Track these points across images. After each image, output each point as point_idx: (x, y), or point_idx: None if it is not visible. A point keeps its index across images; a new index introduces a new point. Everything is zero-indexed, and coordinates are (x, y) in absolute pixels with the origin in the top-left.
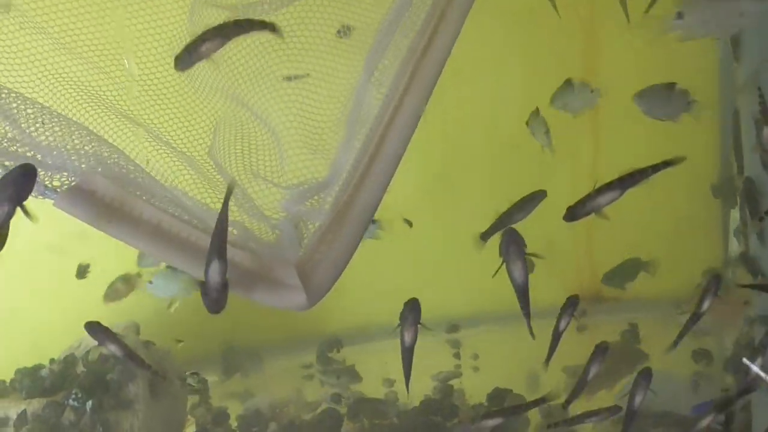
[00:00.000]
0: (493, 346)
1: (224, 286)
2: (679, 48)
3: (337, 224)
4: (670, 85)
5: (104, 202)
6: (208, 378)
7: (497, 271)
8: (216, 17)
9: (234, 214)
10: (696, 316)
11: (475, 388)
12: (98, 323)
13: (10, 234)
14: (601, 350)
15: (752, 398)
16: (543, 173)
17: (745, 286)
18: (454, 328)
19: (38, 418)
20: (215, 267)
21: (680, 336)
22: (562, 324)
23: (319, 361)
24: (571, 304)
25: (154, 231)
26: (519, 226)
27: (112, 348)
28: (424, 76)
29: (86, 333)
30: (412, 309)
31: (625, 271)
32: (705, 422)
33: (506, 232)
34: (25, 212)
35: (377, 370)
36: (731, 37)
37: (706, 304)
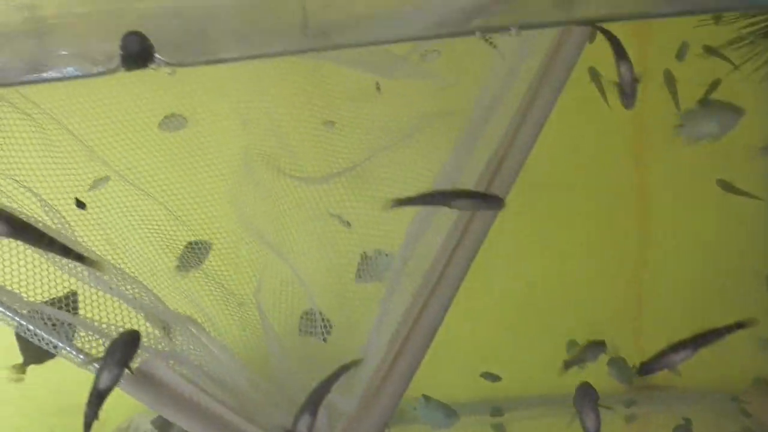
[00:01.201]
0: (538, 430)
1: None
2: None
3: (365, 411)
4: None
5: (162, 385)
6: None
7: (571, 421)
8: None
9: (274, 396)
10: None
11: None
12: None
13: None
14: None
15: None
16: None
17: None
18: (498, 411)
19: None
20: (304, 421)
21: None
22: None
23: None
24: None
25: (201, 414)
26: (563, 310)
27: None
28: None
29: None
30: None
31: None
32: None
33: (580, 386)
34: (131, 371)
35: None
36: None
37: None
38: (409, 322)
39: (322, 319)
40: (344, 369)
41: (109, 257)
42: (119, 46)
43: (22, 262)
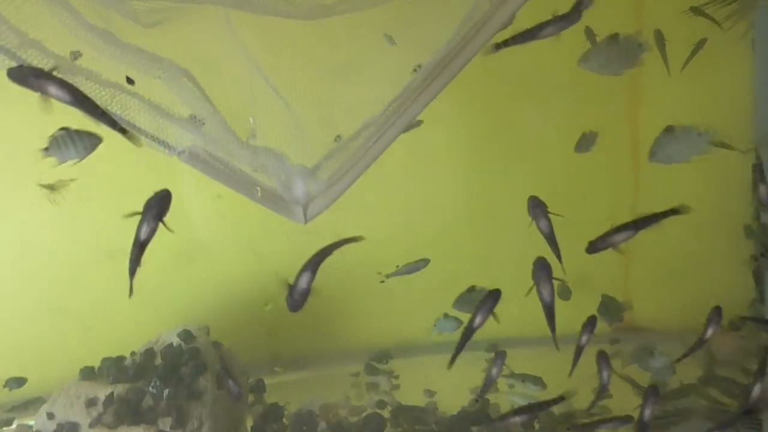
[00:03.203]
0: (531, 366)
1: (307, 293)
2: (714, 91)
3: (330, 189)
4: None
5: (204, 160)
6: (266, 380)
7: (529, 292)
8: None
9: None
10: (700, 343)
11: (509, 404)
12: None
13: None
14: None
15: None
16: (583, 210)
17: (745, 319)
18: (493, 347)
19: (123, 401)
20: (305, 277)
21: (684, 356)
22: (583, 340)
23: (366, 370)
24: (590, 322)
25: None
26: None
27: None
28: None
29: (163, 329)
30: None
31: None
32: None
33: (537, 261)
34: (166, 227)
35: (420, 381)
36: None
37: (709, 333)
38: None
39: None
40: (345, 241)
41: None
42: None
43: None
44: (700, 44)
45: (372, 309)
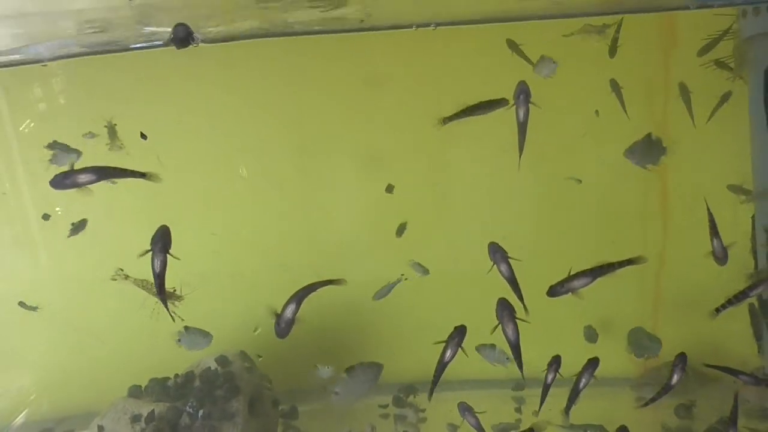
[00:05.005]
0: (554, 406)
1: (292, 322)
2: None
3: None
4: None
5: None
6: (299, 406)
7: (494, 330)
8: None
9: None
10: (666, 389)
11: None
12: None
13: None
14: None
15: None
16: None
17: (710, 367)
18: (519, 386)
19: (163, 418)
20: (290, 308)
21: (651, 400)
22: (582, 382)
23: (394, 402)
24: (592, 365)
25: None
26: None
27: None
28: None
29: (204, 357)
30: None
31: None
32: None
33: (500, 301)
34: (173, 256)
35: (444, 416)
36: None
37: (675, 379)
38: None
39: None
40: (329, 282)
41: None
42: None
43: None
44: (725, 97)
45: (404, 344)
